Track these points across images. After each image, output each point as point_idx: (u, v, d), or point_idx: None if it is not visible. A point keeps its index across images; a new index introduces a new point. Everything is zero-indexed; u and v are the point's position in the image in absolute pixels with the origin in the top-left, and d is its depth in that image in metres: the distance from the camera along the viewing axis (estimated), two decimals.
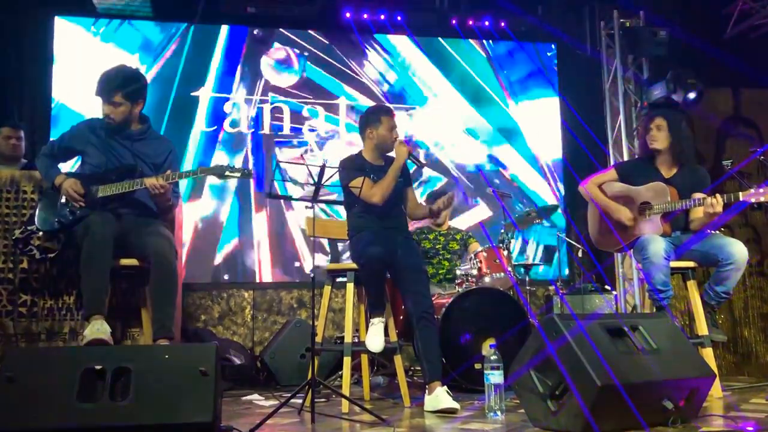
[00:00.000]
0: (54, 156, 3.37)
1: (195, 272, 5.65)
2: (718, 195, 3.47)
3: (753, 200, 3.39)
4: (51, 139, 3.52)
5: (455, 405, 3.18)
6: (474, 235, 5.20)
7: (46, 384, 2.25)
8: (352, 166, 3.66)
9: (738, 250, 3.47)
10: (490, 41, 6.60)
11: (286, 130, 6.11)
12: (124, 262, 3.23)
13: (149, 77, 5.75)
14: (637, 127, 3.97)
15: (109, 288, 3.06)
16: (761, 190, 3.37)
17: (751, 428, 2.55)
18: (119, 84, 3.26)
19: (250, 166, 5.95)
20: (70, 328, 3.51)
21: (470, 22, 6.43)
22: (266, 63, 6.16)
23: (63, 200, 3.23)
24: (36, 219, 3.26)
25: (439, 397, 3.24)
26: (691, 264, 3.69)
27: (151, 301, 3.12)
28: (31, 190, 3.54)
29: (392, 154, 3.68)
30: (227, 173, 3.22)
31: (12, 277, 3.48)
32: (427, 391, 3.34)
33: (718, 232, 3.76)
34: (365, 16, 6.22)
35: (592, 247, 4.21)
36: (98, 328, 2.94)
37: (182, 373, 2.30)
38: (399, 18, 6.30)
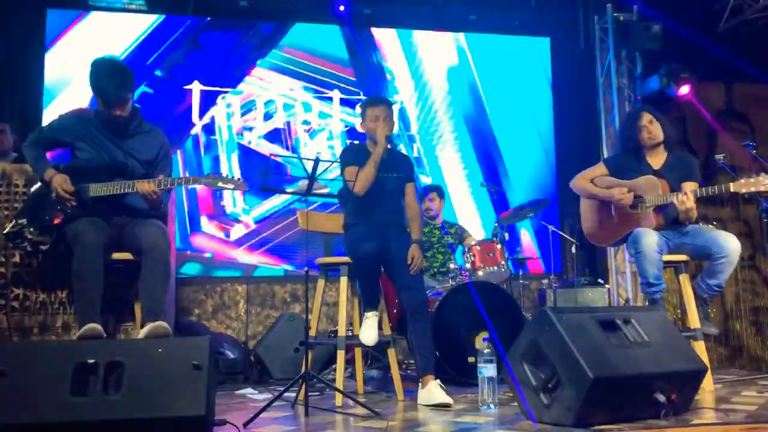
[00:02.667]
0: (41, 145, 3.30)
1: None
2: (688, 191, 3.48)
3: (743, 191, 3.40)
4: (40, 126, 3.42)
5: (448, 400, 3.19)
6: (467, 229, 5.21)
7: (38, 378, 2.24)
8: (350, 155, 3.67)
9: (731, 244, 3.48)
10: (483, 35, 6.60)
11: (279, 124, 6.10)
12: (117, 255, 3.21)
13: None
14: (624, 127, 3.95)
15: (101, 296, 3.03)
16: (751, 180, 3.38)
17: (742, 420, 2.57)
18: (122, 78, 3.17)
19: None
20: (63, 322, 3.50)
21: (463, 16, 6.43)
22: (259, 56, 6.14)
23: (54, 196, 3.19)
24: (26, 213, 3.23)
25: (433, 391, 3.25)
26: (683, 258, 3.70)
27: (142, 289, 3.09)
28: (23, 183, 3.51)
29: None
30: (220, 184, 3.17)
31: (4, 271, 3.46)
32: (420, 384, 3.35)
33: (710, 225, 3.78)
34: (358, 9, 6.21)
35: (585, 241, 4.22)
36: (90, 325, 2.93)
37: (175, 367, 2.30)
38: (392, 11, 6.29)
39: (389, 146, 3.72)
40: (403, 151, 6.14)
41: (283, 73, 6.16)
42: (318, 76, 6.22)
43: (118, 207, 3.26)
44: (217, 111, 6.02)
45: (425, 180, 6.15)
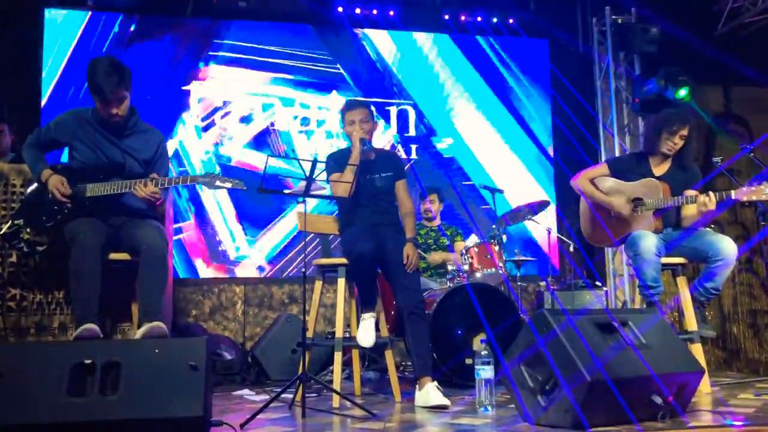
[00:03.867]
0: (40, 146, 3.30)
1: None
2: (711, 193, 3.48)
3: (744, 198, 3.41)
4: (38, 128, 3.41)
5: (445, 402, 3.18)
6: (462, 231, 5.21)
7: (35, 379, 2.23)
8: (333, 160, 3.67)
9: (727, 247, 3.48)
10: (482, 37, 6.60)
11: (278, 125, 6.09)
12: (114, 256, 3.21)
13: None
14: (658, 124, 3.80)
15: (98, 296, 3.03)
16: (753, 188, 3.39)
17: (739, 423, 2.57)
18: (119, 77, 3.15)
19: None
20: (60, 323, 3.49)
21: (462, 18, 6.44)
22: (258, 57, 6.13)
23: (50, 196, 3.18)
24: (23, 213, 3.22)
25: (429, 393, 3.24)
26: (681, 260, 3.70)
27: (139, 289, 3.08)
28: (20, 183, 3.50)
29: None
30: (218, 183, 3.16)
31: (1, 271, 3.45)
32: (417, 386, 3.35)
33: (708, 228, 3.78)
34: (357, 10, 6.22)
35: (583, 243, 4.23)
36: (86, 326, 2.93)
37: (172, 368, 2.29)
38: (391, 13, 6.30)
39: (368, 147, 3.65)
40: (402, 153, 6.15)
41: (279, 71, 6.15)
42: (316, 77, 6.21)
43: (115, 206, 3.25)
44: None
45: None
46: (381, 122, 6.15)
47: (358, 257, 3.37)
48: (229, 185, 3.18)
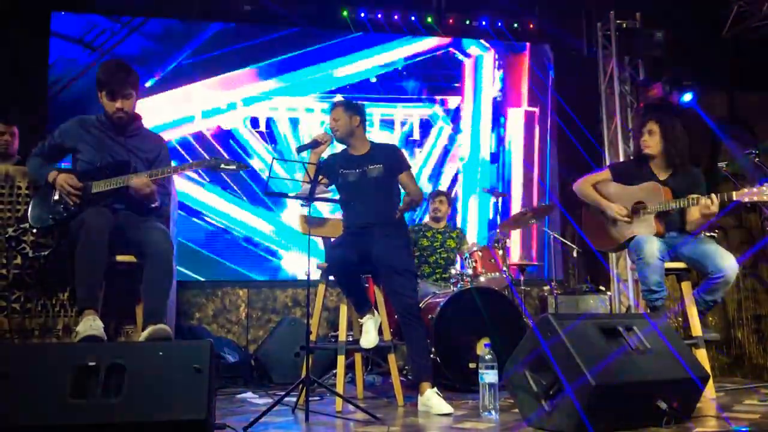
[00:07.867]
0: (45, 156, 3.31)
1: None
2: (713, 195, 3.46)
3: (746, 200, 3.39)
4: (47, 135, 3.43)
5: (448, 410, 3.14)
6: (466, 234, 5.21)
7: (39, 380, 2.23)
8: (323, 165, 3.57)
9: (728, 266, 3.43)
10: (486, 41, 6.60)
11: (283, 128, 6.10)
12: (120, 258, 3.21)
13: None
14: (633, 129, 3.93)
15: (103, 282, 3.03)
16: (755, 190, 3.37)
17: (744, 429, 2.56)
18: (126, 74, 3.19)
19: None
20: (64, 325, 3.49)
21: (467, 22, 6.45)
22: (263, 60, 6.14)
23: (56, 197, 3.19)
24: (29, 216, 3.23)
25: (431, 401, 3.21)
26: (684, 265, 3.68)
27: (144, 291, 3.08)
28: (25, 185, 3.51)
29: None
30: (222, 166, 3.16)
31: (5, 273, 3.46)
32: (418, 392, 3.33)
33: (710, 236, 3.76)
34: (362, 14, 6.23)
35: (587, 248, 4.21)
36: (91, 324, 2.91)
37: (176, 370, 2.29)
38: (396, 17, 6.31)
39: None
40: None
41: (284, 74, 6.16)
42: (321, 79, 6.22)
43: (121, 200, 3.25)
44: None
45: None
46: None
47: (335, 265, 3.39)
48: (233, 167, 3.17)
